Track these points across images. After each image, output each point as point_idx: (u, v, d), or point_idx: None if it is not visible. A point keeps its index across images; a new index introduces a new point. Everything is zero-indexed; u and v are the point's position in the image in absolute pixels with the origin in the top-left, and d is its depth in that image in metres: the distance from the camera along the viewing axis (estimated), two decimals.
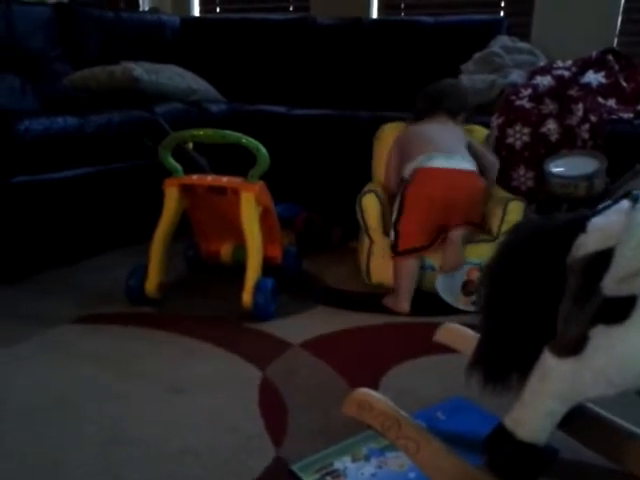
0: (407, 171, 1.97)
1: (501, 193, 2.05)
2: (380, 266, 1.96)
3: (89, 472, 1.14)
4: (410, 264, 1.88)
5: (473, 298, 1.87)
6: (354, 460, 1.15)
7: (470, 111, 2.23)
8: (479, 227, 1.97)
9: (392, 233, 1.91)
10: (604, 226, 0.87)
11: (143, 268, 1.87)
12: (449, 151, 1.94)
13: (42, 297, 1.93)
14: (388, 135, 2.20)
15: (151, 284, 1.86)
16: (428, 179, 1.89)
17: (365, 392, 1.07)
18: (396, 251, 1.89)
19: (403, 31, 2.95)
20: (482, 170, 2.00)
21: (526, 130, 2.20)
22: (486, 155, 2.08)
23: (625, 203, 0.88)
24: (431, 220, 1.88)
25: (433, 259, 1.91)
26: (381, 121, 2.28)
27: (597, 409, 1.09)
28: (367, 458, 1.15)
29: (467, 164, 1.93)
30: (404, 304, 1.87)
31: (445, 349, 1.32)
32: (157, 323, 1.77)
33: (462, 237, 1.89)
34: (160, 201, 1.88)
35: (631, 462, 1.02)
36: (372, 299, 1.97)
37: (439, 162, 1.90)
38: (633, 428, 1.04)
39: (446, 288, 1.89)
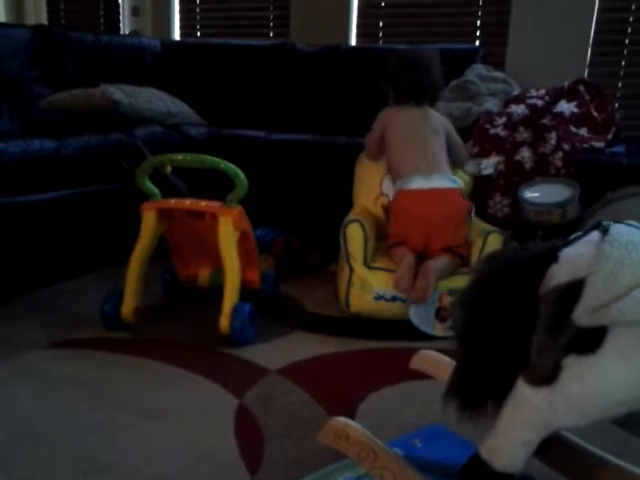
0: (390, 190, 2.07)
1: (481, 225, 2.06)
2: (359, 297, 1.96)
3: None
4: (404, 249, 1.96)
5: (449, 323, 1.88)
6: None
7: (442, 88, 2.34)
8: (461, 257, 1.97)
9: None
10: (575, 257, 0.88)
11: (119, 292, 1.85)
12: (429, 168, 2.01)
13: (15, 321, 1.90)
14: (369, 161, 2.23)
15: (127, 308, 1.84)
16: (407, 197, 1.99)
17: (341, 421, 1.06)
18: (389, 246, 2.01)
19: (381, 58, 2.98)
20: (451, 159, 2.14)
21: (501, 158, 2.25)
22: (460, 150, 2.21)
23: (595, 234, 0.90)
24: (414, 233, 1.95)
25: None
26: (359, 147, 2.31)
27: (573, 437, 1.10)
28: None
29: (447, 182, 2.00)
30: (403, 281, 1.89)
31: (423, 376, 1.33)
32: (133, 349, 1.75)
33: (438, 269, 1.90)
34: (137, 225, 1.87)
35: None
36: (350, 324, 1.97)
37: (418, 183, 1.98)
38: (608, 456, 1.05)
39: (421, 318, 1.89)
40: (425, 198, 1.97)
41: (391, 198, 2.09)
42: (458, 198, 2.01)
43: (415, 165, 2.02)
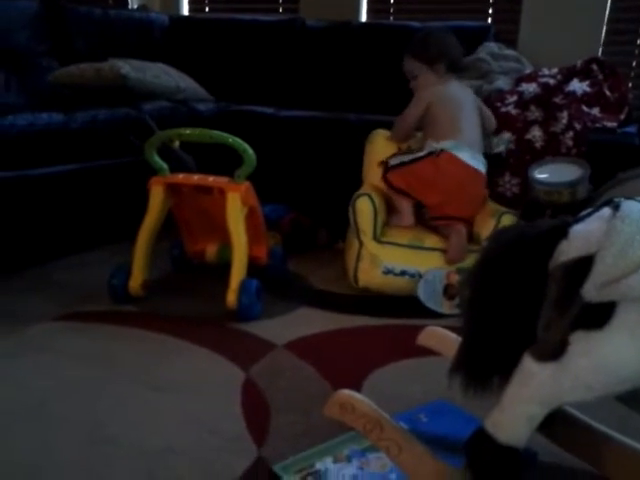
0: (431, 143, 2.02)
1: (494, 205, 2.06)
2: (368, 271, 1.97)
3: (70, 472, 1.13)
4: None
5: (456, 301, 1.89)
6: (336, 461, 1.15)
7: None
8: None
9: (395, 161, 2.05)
10: (586, 233, 0.88)
11: (127, 266, 1.86)
12: (472, 143, 2.02)
13: (23, 294, 1.92)
14: (380, 140, 2.21)
15: (135, 282, 1.85)
16: (452, 164, 1.97)
17: (348, 394, 1.07)
18: (385, 176, 2.06)
19: (391, 35, 2.96)
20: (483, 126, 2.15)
21: (512, 137, 2.22)
22: (490, 118, 2.23)
23: (606, 210, 0.89)
24: (437, 192, 1.99)
25: (418, 265, 1.92)
26: (369, 124, 2.29)
27: (576, 412, 1.11)
28: (349, 459, 1.16)
29: (481, 165, 2.03)
30: (409, 218, 2.05)
31: (428, 352, 1.33)
32: (140, 322, 1.76)
33: (465, 233, 1.96)
34: (145, 199, 1.87)
35: (607, 466, 1.03)
36: (357, 301, 1.98)
37: (465, 156, 1.98)
38: (611, 432, 1.05)
39: (428, 295, 1.90)
40: (466, 176, 1.98)
41: (424, 150, 2.03)
42: (482, 185, 2.06)
43: (460, 131, 2.01)
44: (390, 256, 1.95)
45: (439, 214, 2.02)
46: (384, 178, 2.06)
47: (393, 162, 2.06)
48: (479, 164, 2.01)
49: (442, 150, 1.96)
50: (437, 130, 2.02)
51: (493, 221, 1.94)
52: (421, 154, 2.01)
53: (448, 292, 1.90)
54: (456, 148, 1.97)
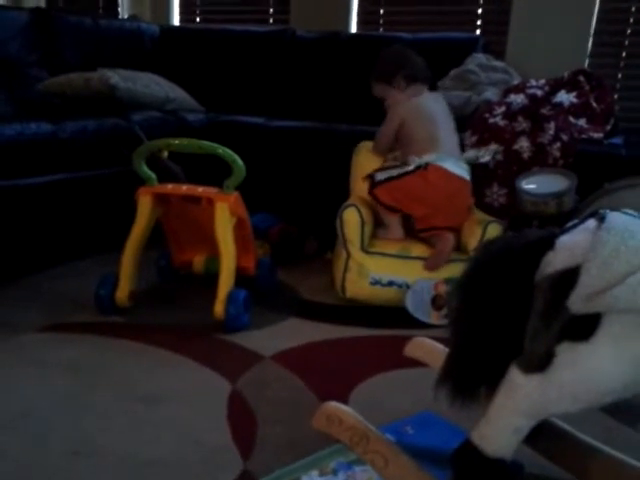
0: (414, 158, 2.01)
1: (480, 215, 2.07)
2: (355, 282, 1.96)
3: None
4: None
5: (445, 312, 1.88)
6: (322, 474, 1.14)
7: None
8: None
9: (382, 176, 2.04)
10: (572, 244, 0.88)
11: (114, 277, 1.85)
12: (452, 151, 2.05)
13: (10, 304, 1.90)
14: (367, 152, 2.22)
15: (122, 293, 1.84)
16: (441, 177, 1.97)
17: (334, 406, 1.06)
18: (371, 191, 2.05)
19: (381, 46, 2.93)
20: None
21: (499, 148, 2.24)
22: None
23: (592, 222, 0.89)
24: (425, 206, 1.99)
25: (405, 275, 1.92)
26: (358, 135, 2.30)
27: (562, 424, 1.10)
28: (335, 472, 1.15)
29: (464, 173, 2.04)
30: (398, 231, 2.05)
31: (416, 363, 1.33)
32: (127, 333, 1.74)
33: (453, 242, 1.97)
34: (133, 209, 1.87)
35: (594, 478, 1.03)
36: (346, 311, 1.97)
37: (450, 166, 1.99)
38: (597, 444, 1.05)
39: (416, 306, 1.90)
40: (451, 184, 1.99)
41: (411, 165, 2.01)
42: (468, 193, 2.06)
43: (439, 143, 2.02)
44: (377, 266, 1.95)
45: (426, 226, 2.02)
46: (371, 194, 2.06)
47: (380, 177, 2.05)
48: (463, 172, 2.03)
49: (427, 164, 1.97)
50: (416, 146, 2.02)
51: (480, 230, 1.95)
52: (409, 168, 2.00)
53: (436, 303, 1.89)
54: (440, 160, 1.98)
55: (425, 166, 1.97)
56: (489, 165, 2.23)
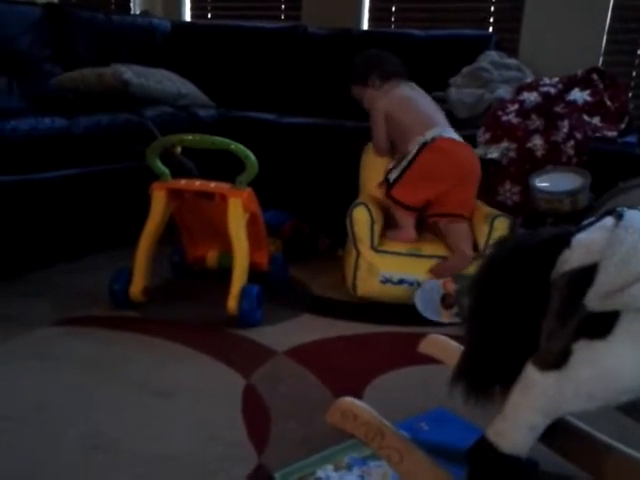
0: (417, 138, 2.00)
1: (487, 209, 2.05)
2: (366, 280, 1.96)
3: (69, 478, 1.12)
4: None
5: (455, 310, 1.88)
6: (336, 469, 1.15)
7: None
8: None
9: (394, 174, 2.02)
10: (588, 242, 0.88)
11: (128, 272, 1.86)
12: (445, 124, 2.07)
13: (23, 298, 1.91)
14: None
15: (136, 288, 1.85)
16: (448, 145, 1.98)
17: (349, 401, 1.07)
18: (389, 194, 2.03)
19: (392, 43, 2.96)
20: None
21: (512, 145, 2.23)
22: None
23: (609, 220, 0.89)
24: (445, 178, 1.97)
25: (416, 273, 1.92)
26: (369, 132, 2.29)
27: (578, 422, 1.10)
28: (349, 467, 1.15)
29: (462, 140, 2.05)
30: (411, 232, 2.01)
31: (429, 360, 1.33)
32: (141, 328, 1.75)
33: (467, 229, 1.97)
34: (147, 205, 1.88)
35: (609, 476, 1.03)
36: (358, 308, 1.97)
37: (452, 135, 2.01)
38: (612, 442, 1.05)
39: (425, 305, 1.89)
40: (460, 149, 2.00)
41: (414, 147, 2.00)
42: (477, 160, 2.05)
43: (432, 119, 2.04)
44: (388, 265, 1.95)
45: (437, 211, 2.01)
46: (389, 196, 2.03)
47: (393, 175, 2.04)
48: (460, 139, 2.05)
49: (433, 138, 1.97)
50: (411, 131, 2.02)
51: (486, 224, 1.94)
52: (414, 151, 1.99)
53: (446, 301, 1.89)
54: (442, 132, 2.00)
55: (430, 141, 1.97)
56: (502, 162, 2.23)
